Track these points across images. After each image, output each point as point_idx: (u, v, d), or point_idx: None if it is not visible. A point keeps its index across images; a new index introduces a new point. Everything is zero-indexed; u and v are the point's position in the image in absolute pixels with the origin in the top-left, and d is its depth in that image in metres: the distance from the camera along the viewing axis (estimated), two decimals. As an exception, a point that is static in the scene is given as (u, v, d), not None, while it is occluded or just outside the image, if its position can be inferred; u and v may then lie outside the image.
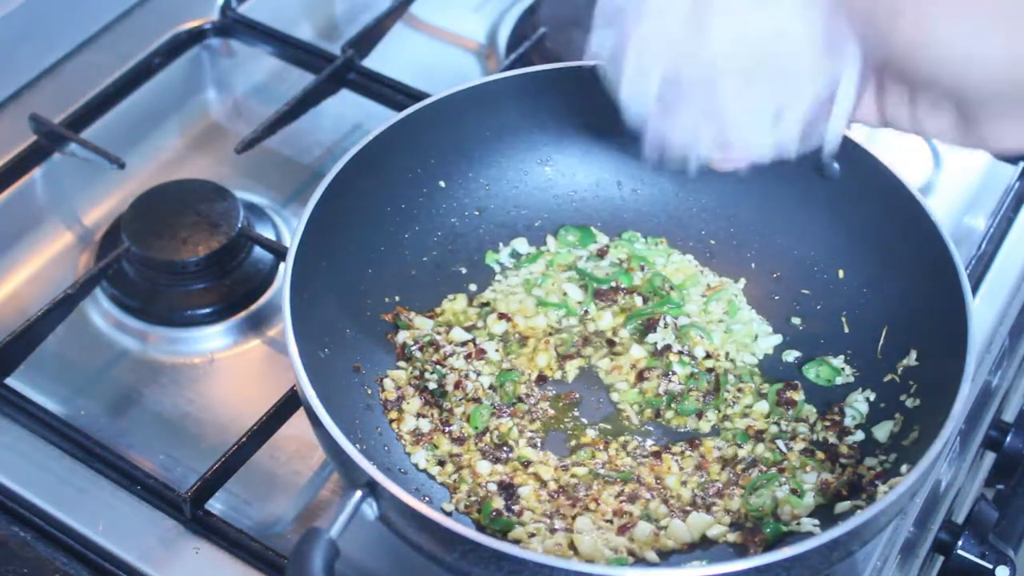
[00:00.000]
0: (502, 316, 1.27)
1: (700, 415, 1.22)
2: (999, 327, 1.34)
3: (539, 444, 1.20)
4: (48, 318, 1.29)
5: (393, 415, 1.20)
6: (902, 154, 1.56)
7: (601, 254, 1.33)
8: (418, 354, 1.24)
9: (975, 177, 1.54)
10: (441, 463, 1.17)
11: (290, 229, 1.45)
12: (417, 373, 1.23)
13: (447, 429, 1.19)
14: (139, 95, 1.55)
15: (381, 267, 1.27)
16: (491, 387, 1.22)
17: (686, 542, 1.12)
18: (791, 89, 1.01)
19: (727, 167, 1.08)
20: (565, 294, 1.30)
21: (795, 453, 1.18)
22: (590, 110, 1.32)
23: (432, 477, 1.16)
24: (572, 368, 1.26)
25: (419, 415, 1.20)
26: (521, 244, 1.34)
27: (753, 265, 1.32)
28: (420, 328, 1.25)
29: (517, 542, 1.10)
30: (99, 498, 1.17)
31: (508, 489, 1.15)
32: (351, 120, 1.59)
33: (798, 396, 1.22)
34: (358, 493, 0.98)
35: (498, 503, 1.14)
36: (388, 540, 1.04)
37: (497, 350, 1.25)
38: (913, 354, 1.18)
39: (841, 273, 1.27)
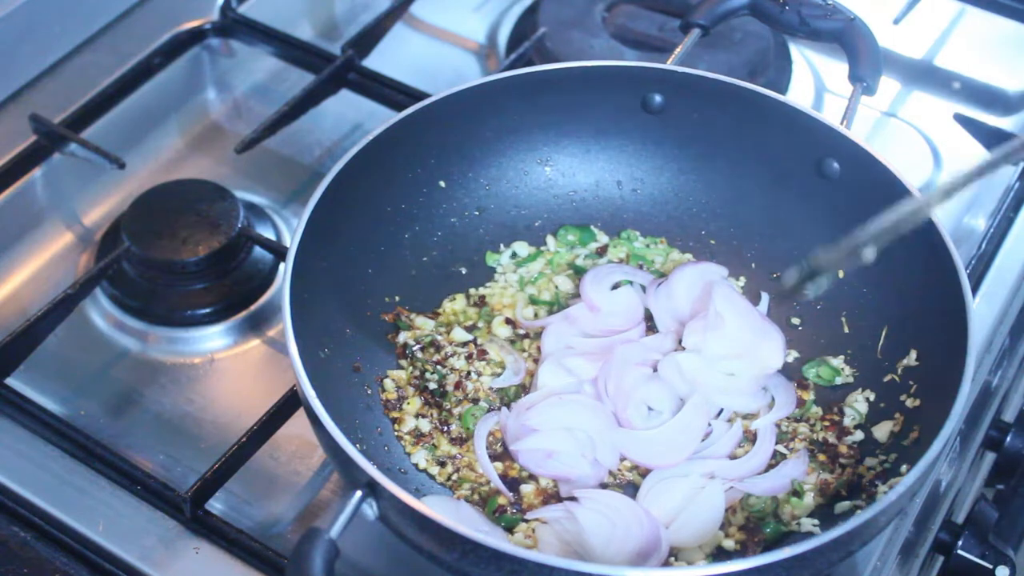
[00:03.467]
0: (508, 321, 1.27)
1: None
2: (999, 327, 1.34)
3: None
4: (48, 318, 1.29)
5: (393, 415, 1.20)
6: (902, 154, 1.56)
7: (600, 252, 1.33)
8: (419, 354, 1.23)
9: (975, 177, 1.54)
10: (441, 463, 1.17)
11: (290, 229, 1.45)
12: (417, 373, 1.23)
13: (446, 429, 1.19)
14: (139, 95, 1.55)
15: (381, 267, 1.27)
16: (491, 388, 1.22)
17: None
18: None
19: None
20: (556, 287, 1.30)
21: (795, 453, 1.18)
22: (590, 110, 1.32)
23: (432, 477, 1.16)
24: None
25: (419, 415, 1.20)
26: (521, 247, 1.33)
27: (753, 265, 1.32)
28: (421, 328, 1.25)
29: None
30: (99, 498, 1.17)
31: (510, 486, 1.15)
32: (351, 120, 1.59)
33: (807, 396, 1.22)
34: (358, 493, 0.98)
35: (503, 499, 1.14)
36: (388, 540, 1.04)
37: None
38: (913, 354, 1.18)
39: (841, 273, 1.27)
